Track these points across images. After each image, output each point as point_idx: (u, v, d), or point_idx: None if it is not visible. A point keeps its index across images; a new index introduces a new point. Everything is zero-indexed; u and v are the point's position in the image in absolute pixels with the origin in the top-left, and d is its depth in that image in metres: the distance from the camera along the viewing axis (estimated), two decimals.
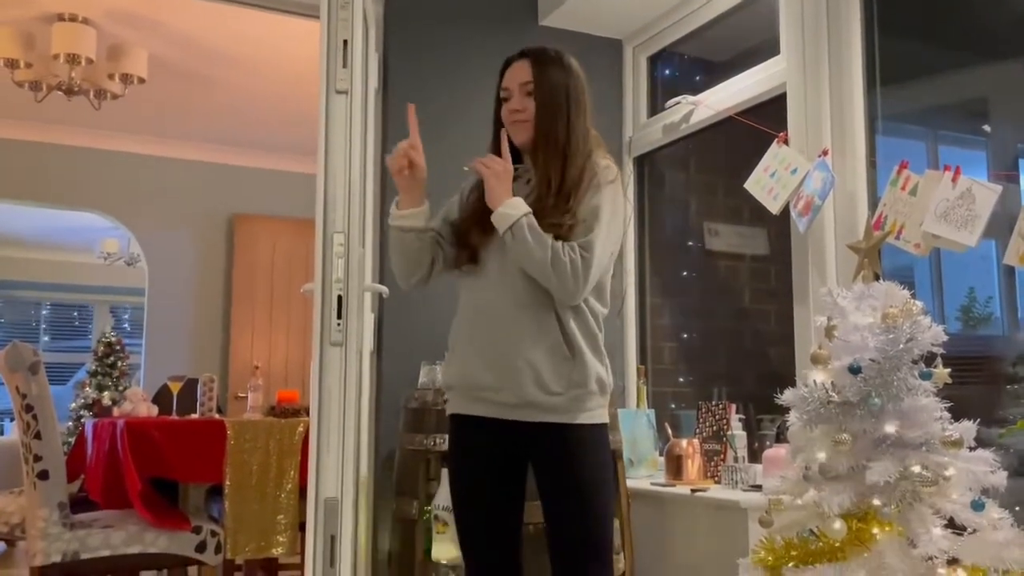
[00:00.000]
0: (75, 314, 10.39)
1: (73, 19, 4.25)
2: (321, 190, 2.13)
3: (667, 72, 3.59)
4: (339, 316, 2.08)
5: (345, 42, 2.09)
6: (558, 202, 1.92)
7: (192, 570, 3.11)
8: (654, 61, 3.57)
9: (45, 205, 6.52)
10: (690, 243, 3.74)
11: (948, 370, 1.61)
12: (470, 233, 2.00)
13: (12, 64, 4.29)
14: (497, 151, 2.01)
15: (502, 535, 1.99)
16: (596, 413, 1.93)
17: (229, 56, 4.78)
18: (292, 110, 5.37)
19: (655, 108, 3.49)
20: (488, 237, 1.97)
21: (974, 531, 1.51)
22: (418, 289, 2.11)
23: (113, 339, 6.58)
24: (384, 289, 2.67)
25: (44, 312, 10.25)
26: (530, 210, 1.90)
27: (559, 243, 1.87)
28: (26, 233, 8.71)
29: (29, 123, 5.82)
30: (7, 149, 5.92)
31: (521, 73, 2.01)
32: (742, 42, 3.36)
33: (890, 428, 1.56)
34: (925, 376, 1.58)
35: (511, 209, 1.90)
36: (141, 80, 4.46)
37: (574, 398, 1.90)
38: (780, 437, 2.58)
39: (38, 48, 4.31)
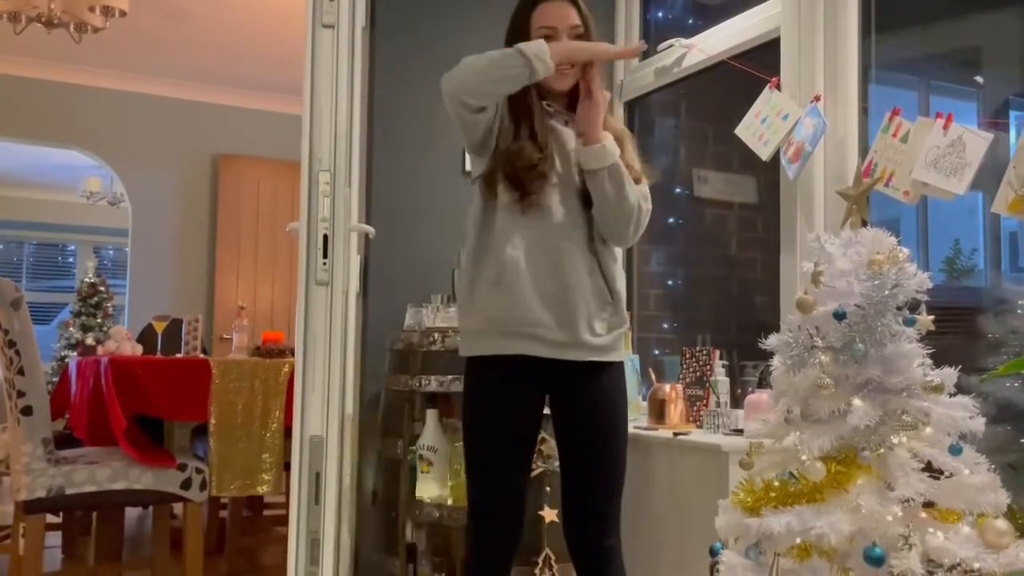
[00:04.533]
0: (58, 255, 10.31)
1: None
2: (307, 127, 2.10)
3: (660, 14, 3.53)
4: (325, 255, 2.08)
5: None
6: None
7: (177, 507, 3.14)
8: (647, 3, 3.51)
9: (25, 141, 6.41)
10: (678, 190, 3.72)
11: (932, 317, 1.61)
12: (531, 184, 1.93)
13: None
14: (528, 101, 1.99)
15: (519, 472, 2.02)
16: (621, 352, 2.05)
17: None
18: (279, 47, 5.27)
19: (647, 51, 3.44)
20: (546, 179, 1.94)
21: (951, 475, 1.53)
22: (455, 106, 1.89)
23: (96, 280, 6.53)
24: (370, 229, 2.65)
25: (26, 252, 10.16)
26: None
27: None
28: (7, 170, 8.58)
29: (8, 56, 5.69)
30: None
31: (569, 15, 1.98)
32: None
33: (872, 373, 1.57)
34: (909, 322, 1.59)
35: (613, 148, 1.95)
36: (122, 13, 4.36)
37: (614, 339, 2.00)
38: (762, 383, 2.61)
39: None
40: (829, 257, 1.69)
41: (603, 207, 1.95)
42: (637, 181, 1.99)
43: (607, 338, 1.97)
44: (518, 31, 1.99)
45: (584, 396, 1.99)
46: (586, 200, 1.97)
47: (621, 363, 2.06)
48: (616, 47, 2.02)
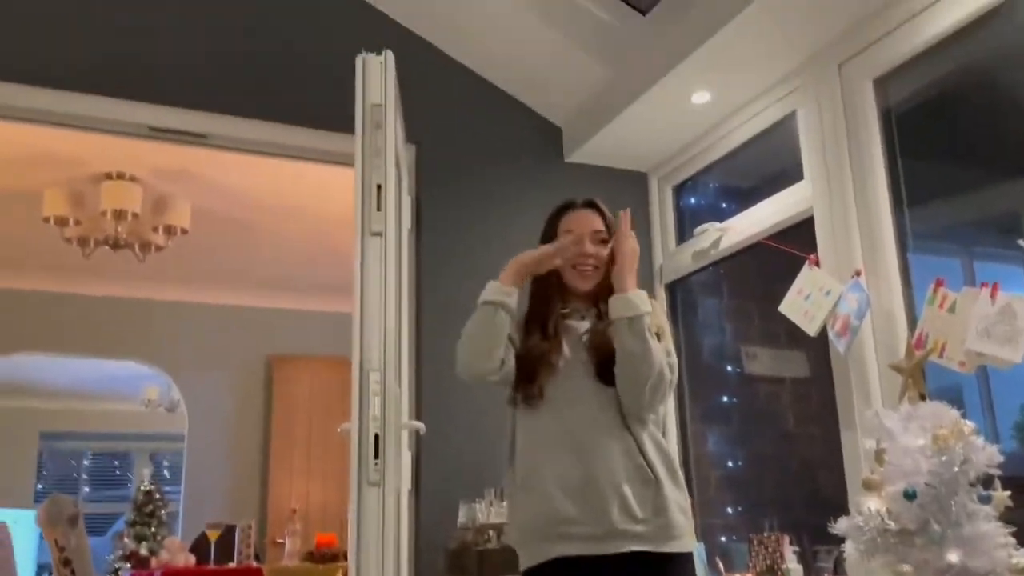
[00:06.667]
0: (115, 463, 10.40)
1: (120, 177, 4.44)
2: (357, 329, 2.15)
3: (692, 201, 3.65)
4: (376, 455, 2.06)
5: (379, 187, 2.16)
6: None
7: None
8: (679, 190, 3.64)
9: (85, 356, 6.63)
10: (729, 368, 3.70)
11: (1008, 492, 1.54)
12: (538, 372, 1.96)
13: (62, 222, 4.46)
14: (548, 292, 2.03)
15: None
16: (682, 542, 1.88)
17: (267, 203, 4.93)
18: (327, 251, 5.49)
19: (683, 235, 3.53)
20: (555, 371, 1.95)
21: None
22: (483, 380, 1.96)
23: (152, 487, 6.55)
24: (421, 426, 2.65)
25: (85, 462, 10.27)
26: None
27: None
28: (70, 384, 8.83)
29: (76, 276, 5.98)
30: (53, 303, 6.10)
31: (592, 221, 2.06)
32: (766, 168, 3.42)
33: (953, 557, 1.49)
34: (984, 500, 1.52)
35: (640, 301, 1.90)
36: (184, 231, 4.61)
37: (660, 526, 1.85)
38: (837, 569, 2.47)
39: (87, 206, 4.49)
40: (890, 433, 1.64)
41: (621, 361, 1.88)
42: (668, 355, 1.95)
43: (652, 525, 1.84)
44: (547, 233, 2.09)
45: None
46: (608, 378, 1.93)
47: (683, 555, 1.89)
48: (552, 247, 2.03)
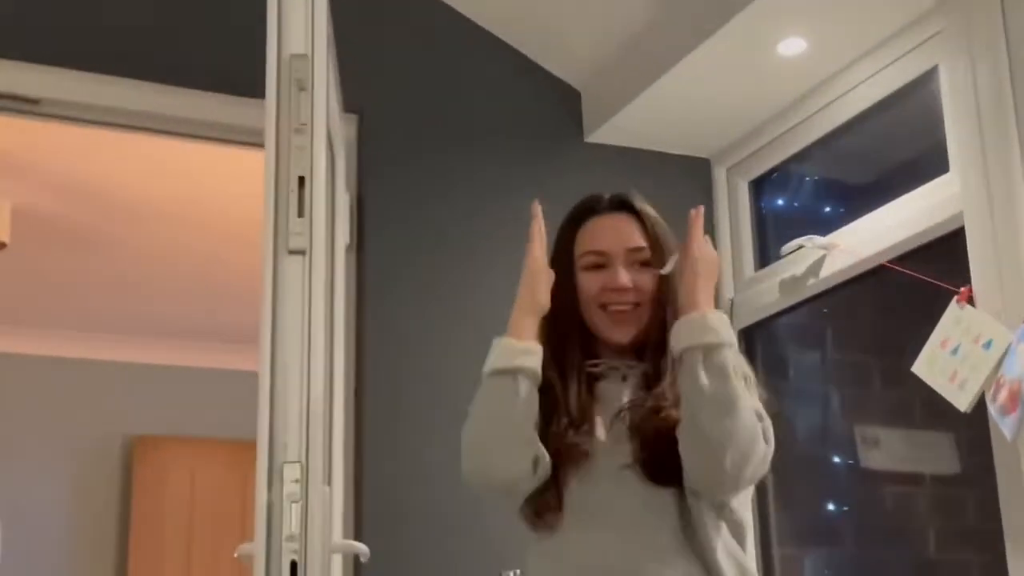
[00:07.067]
0: None
1: None
2: (265, 398, 2.15)
3: (780, 202, 3.66)
4: None
5: (301, 180, 2.17)
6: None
7: None
8: (759, 187, 3.66)
9: None
10: (836, 459, 3.70)
11: None
12: (557, 472, 1.95)
13: None
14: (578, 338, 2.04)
15: None
16: None
17: (130, 204, 4.91)
18: (220, 278, 5.47)
19: (766, 255, 3.56)
20: (583, 467, 1.95)
21: None
22: (510, 491, 1.97)
23: None
24: (362, 549, 2.65)
25: None
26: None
27: None
28: None
29: None
30: None
31: (625, 231, 2.06)
32: (892, 153, 3.44)
33: None
34: None
35: (721, 325, 1.88)
36: (1, 245, 4.59)
37: None
38: None
39: None
40: None
41: (690, 413, 1.85)
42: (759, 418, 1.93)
43: None
44: (557, 254, 2.09)
45: None
46: (660, 476, 1.91)
47: None
48: (533, 244, 2.05)
